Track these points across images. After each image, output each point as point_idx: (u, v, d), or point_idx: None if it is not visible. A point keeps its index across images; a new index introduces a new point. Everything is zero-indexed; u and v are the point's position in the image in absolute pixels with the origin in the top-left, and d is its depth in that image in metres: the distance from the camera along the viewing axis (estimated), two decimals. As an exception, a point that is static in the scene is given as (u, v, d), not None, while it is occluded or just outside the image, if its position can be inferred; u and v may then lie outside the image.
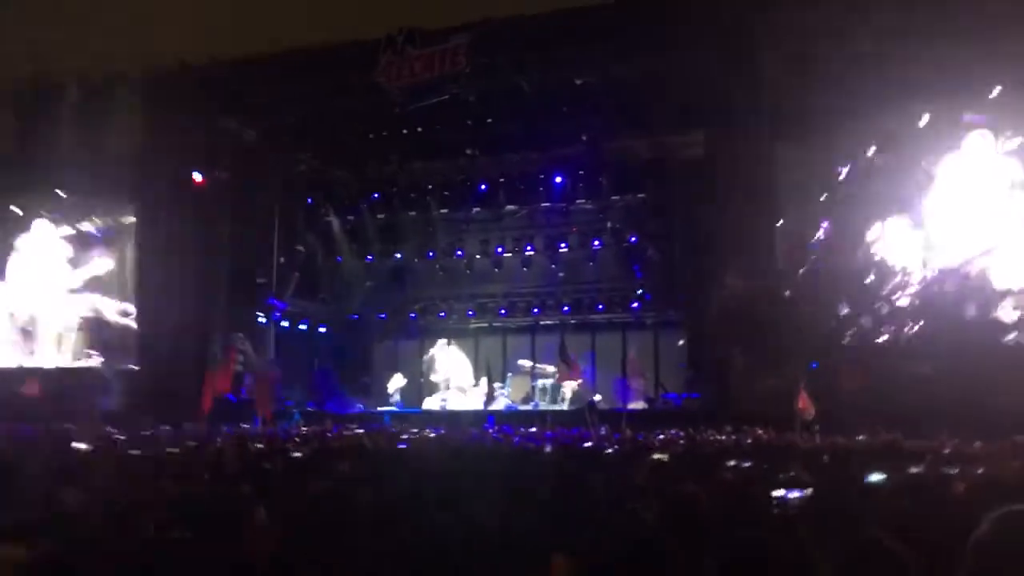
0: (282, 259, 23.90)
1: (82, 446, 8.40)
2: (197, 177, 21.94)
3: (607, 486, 5.24)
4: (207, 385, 18.82)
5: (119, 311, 22.29)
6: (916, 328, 17.00)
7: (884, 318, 17.35)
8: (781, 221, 18.18)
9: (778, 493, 4.70)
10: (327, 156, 23.79)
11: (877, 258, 17.50)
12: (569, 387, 22.15)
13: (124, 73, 22.28)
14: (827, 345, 17.45)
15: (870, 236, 17.59)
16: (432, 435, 14.08)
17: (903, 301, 17.23)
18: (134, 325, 22.12)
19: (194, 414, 17.51)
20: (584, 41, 19.11)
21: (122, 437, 12.80)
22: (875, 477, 6.05)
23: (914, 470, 6.89)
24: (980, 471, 6.26)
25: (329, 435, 13.44)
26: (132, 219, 22.68)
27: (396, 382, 24.34)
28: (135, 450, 9.94)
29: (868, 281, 17.56)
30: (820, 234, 18.07)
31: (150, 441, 11.56)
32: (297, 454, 8.20)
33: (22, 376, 21.51)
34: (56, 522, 4.10)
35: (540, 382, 23.12)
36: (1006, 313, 16.25)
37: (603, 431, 15.30)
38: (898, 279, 17.33)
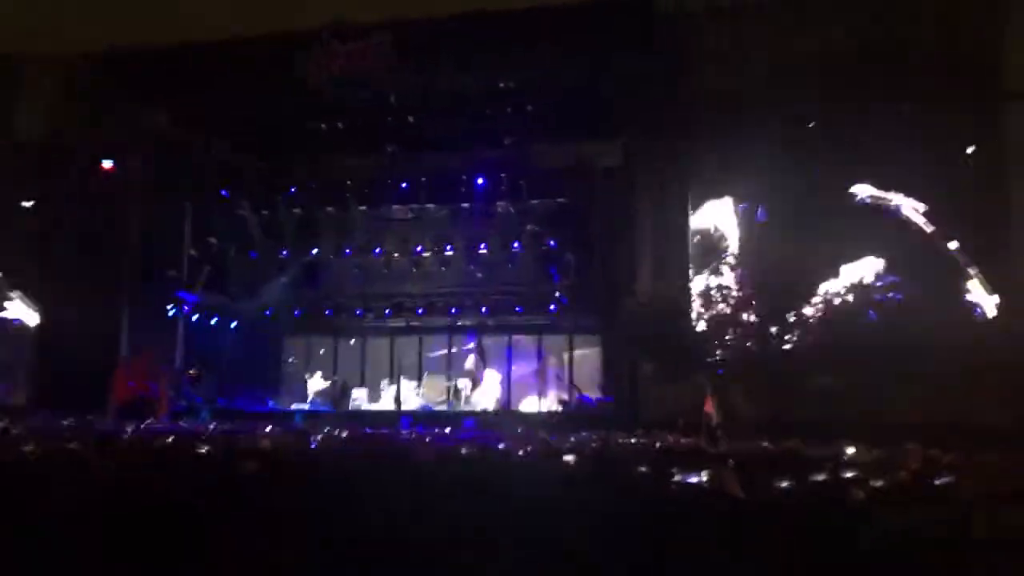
0: (193, 252, 23.30)
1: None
2: (107, 164, 21.24)
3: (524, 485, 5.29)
4: (118, 381, 18.24)
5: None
6: (820, 337, 17.62)
7: (791, 326, 17.93)
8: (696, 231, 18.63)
9: (678, 477, 4.84)
10: (244, 147, 23.27)
11: (787, 267, 18.09)
12: (484, 388, 22.26)
13: (36, 54, 21.44)
14: (733, 352, 17.96)
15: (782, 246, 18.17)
16: (344, 435, 13.91)
17: (808, 310, 17.84)
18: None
19: (100, 410, 16.95)
20: (507, 45, 19.24)
21: (15, 430, 12.34)
22: (782, 484, 6.27)
23: (816, 477, 7.18)
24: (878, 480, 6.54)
25: (238, 433, 13.14)
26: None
27: (314, 382, 24.01)
28: (28, 445, 9.59)
29: (778, 290, 18.13)
30: (733, 240, 18.57)
31: (50, 434, 11.13)
32: (203, 450, 8.02)
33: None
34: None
35: (457, 383, 23.10)
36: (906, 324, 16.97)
37: (518, 432, 15.37)
38: (805, 288, 17.94)
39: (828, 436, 11.80)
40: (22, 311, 21.53)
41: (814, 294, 17.90)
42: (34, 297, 21.49)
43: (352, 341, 25.00)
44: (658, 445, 12.57)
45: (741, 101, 17.53)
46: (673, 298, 18.11)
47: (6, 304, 21.57)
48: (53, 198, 21.49)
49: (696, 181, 18.62)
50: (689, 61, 18.50)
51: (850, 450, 10.29)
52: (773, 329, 18.13)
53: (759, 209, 18.10)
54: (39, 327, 21.39)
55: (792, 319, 18.01)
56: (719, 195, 18.56)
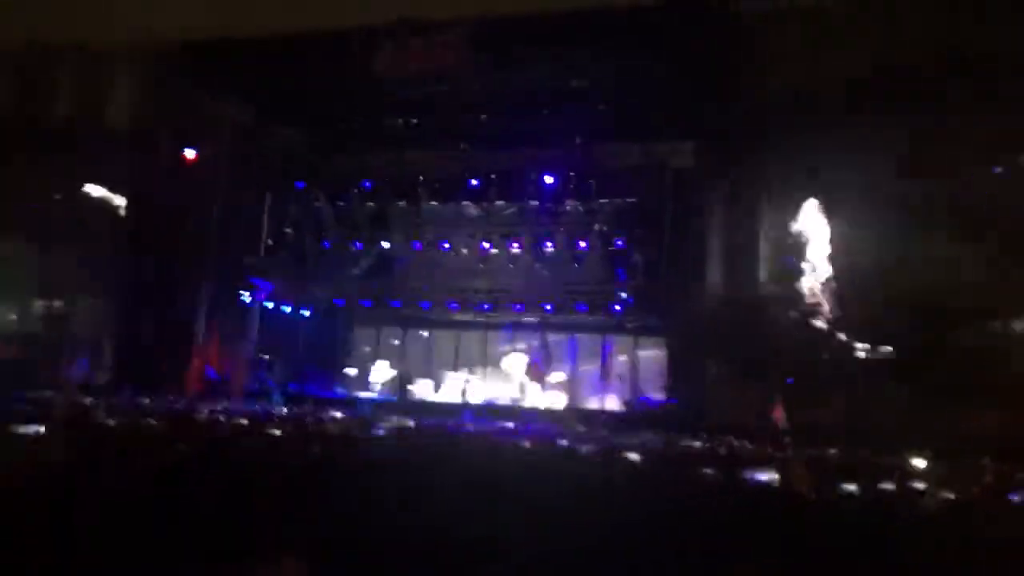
0: (270, 241, 23.91)
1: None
2: (190, 154, 21.91)
3: (581, 484, 5.35)
4: (194, 361, 18.85)
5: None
6: (894, 344, 17.22)
7: (865, 332, 17.54)
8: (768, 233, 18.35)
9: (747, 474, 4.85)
10: (321, 140, 23.77)
11: (862, 272, 17.68)
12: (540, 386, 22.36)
13: (122, 46, 22.17)
14: (804, 359, 17.63)
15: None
16: (410, 425, 14.16)
17: (884, 316, 17.42)
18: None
19: (177, 389, 17.53)
20: (583, 44, 19.21)
21: (99, 406, 12.88)
22: (848, 488, 6.23)
23: (884, 486, 7.09)
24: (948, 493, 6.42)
25: (307, 418, 13.51)
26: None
27: (381, 371, 24.42)
28: (111, 420, 10.03)
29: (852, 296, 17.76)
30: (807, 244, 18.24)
31: (128, 412, 11.61)
32: (276, 432, 8.28)
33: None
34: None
35: (517, 379, 23.22)
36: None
37: (580, 430, 15.42)
38: (881, 294, 17.53)
39: (899, 446, 11.59)
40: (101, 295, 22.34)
41: (890, 300, 17.47)
42: (117, 280, 22.26)
43: (425, 333, 25.39)
44: (723, 450, 12.51)
45: (817, 102, 17.19)
46: (743, 300, 17.87)
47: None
48: (136, 186, 22.20)
49: (770, 182, 18.31)
50: (764, 61, 18.20)
51: (919, 462, 10.10)
52: (845, 335, 17.76)
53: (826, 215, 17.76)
54: (122, 309, 22.16)
55: (866, 325, 17.61)
56: (793, 198, 18.22)
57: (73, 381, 16.05)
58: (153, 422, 9.89)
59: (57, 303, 21.96)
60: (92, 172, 22.47)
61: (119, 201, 22.34)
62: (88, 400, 14.26)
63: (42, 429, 7.22)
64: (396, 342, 25.82)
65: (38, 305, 22.83)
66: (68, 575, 2.82)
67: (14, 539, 2.87)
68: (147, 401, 14.42)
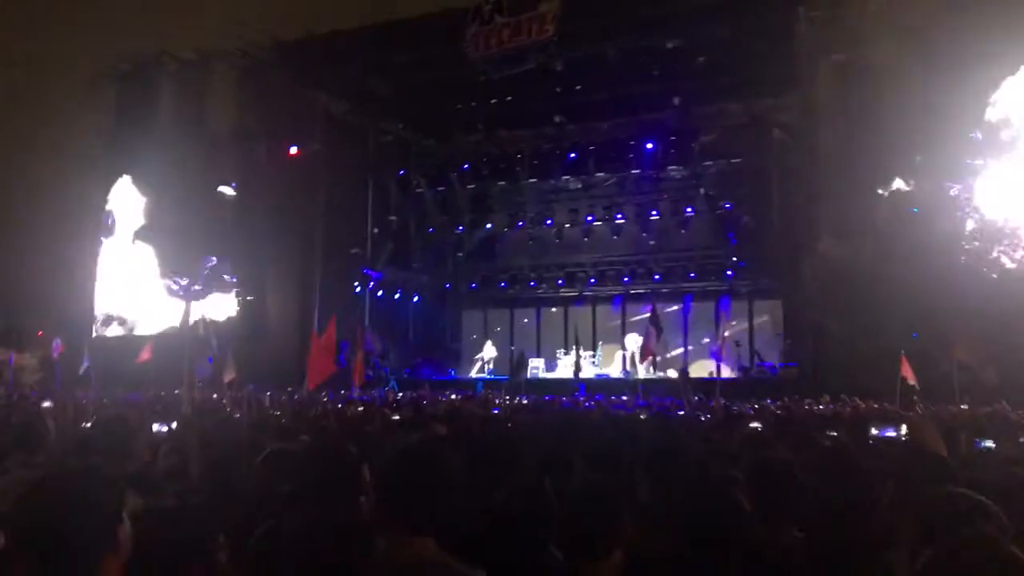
0: (375, 230, 24.35)
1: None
2: (292, 150, 22.48)
3: (701, 453, 5.19)
4: (314, 353, 19.33)
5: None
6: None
7: (991, 283, 16.54)
8: (890, 188, 17.46)
9: (875, 432, 4.61)
10: (417, 127, 23.98)
11: (985, 218, 16.69)
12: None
13: (219, 50, 22.90)
14: (929, 313, 16.75)
15: (976, 196, 16.78)
16: (525, 402, 14.21)
17: (1010, 265, 16.41)
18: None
19: (295, 383, 18.04)
20: (674, 3, 18.69)
21: (224, 401, 13.42)
22: (986, 443, 5.87)
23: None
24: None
25: (424, 400, 13.70)
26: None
27: (488, 351, 24.63)
28: (238, 413, 10.41)
29: (974, 245, 16.77)
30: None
31: (255, 404, 12.02)
32: (395, 417, 8.38)
33: (136, 345, 22.58)
34: (167, 476, 4.33)
35: (631, 351, 22.95)
36: None
37: (697, 400, 15.13)
38: (1008, 240, 16.51)
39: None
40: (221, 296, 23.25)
41: (1017, 248, 16.42)
42: (231, 278, 23.10)
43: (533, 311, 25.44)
44: (848, 410, 12.04)
45: (931, 50, 16.20)
46: (859, 259, 17.08)
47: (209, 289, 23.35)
48: (242, 185, 22.94)
49: (883, 136, 17.36)
50: (863, 8, 17.25)
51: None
52: (974, 289, 16.76)
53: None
54: (240, 307, 23.00)
55: (993, 276, 16.59)
56: (907, 153, 17.25)
57: (198, 379, 16.70)
58: (278, 413, 10.23)
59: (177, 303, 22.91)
60: (199, 174, 23.33)
61: (228, 200, 23.09)
62: (215, 396, 14.89)
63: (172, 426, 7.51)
64: (505, 322, 25.95)
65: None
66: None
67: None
68: (269, 395, 14.90)
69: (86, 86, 24.10)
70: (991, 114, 16.81)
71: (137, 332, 24.13)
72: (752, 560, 2.84)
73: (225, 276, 22.75)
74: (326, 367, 20.05)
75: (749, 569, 2.82)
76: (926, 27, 15.92)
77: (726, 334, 21.77)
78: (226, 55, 22.75)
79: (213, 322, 21.84)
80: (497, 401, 13.51)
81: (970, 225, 16.93)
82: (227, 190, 22.77)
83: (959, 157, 17.01)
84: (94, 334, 24.03)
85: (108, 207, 25.08)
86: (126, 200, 24.96)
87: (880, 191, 17.62)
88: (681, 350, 22.94)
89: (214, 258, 22.56)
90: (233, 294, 23.07)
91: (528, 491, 3.45)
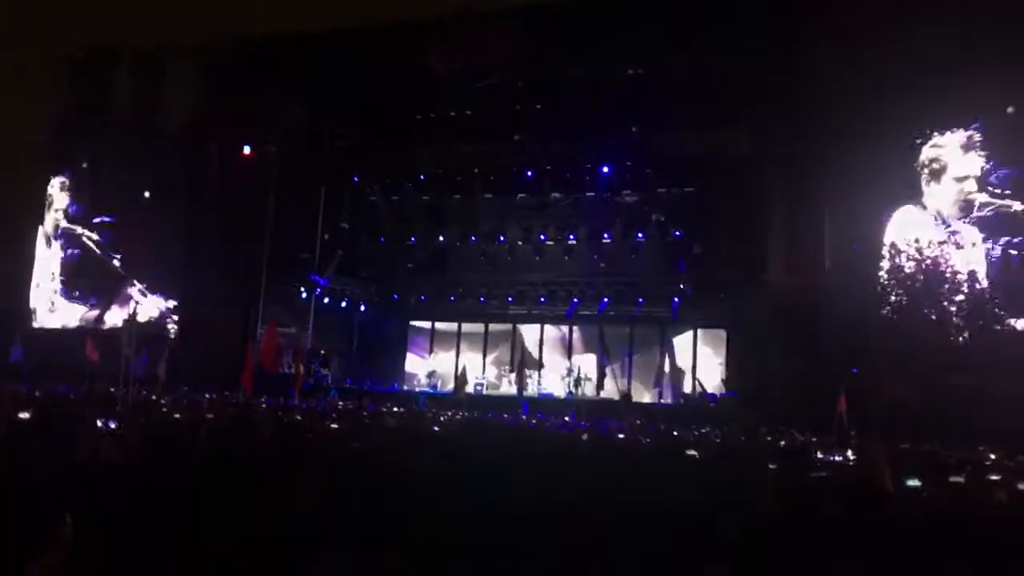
0: (326, 236, 24.11)
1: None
2: (246, 150, 22.19)
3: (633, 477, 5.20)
4: (250, 358, 19.04)
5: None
6: (963, 337, 16.67)
7: (932, 325, 17.02)
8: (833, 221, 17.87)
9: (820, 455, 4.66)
10: (374, 134, 23.84)
11: (928, 262, 17.17)
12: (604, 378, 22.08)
13: (178, 46, 22.56)
14: (868, 350, 17.15)
15: (923, 238, 17.26)
16: (464, 416, 14.13)
17: (952, 307, 16.89)
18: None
19: (234, 385, 17.72)
20: (636, 31, 18.94)
21: (161, 401, 13.12)
22: (912, 482, 5.97)
23: (954, 479, 6.79)
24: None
25: (365, 412, 13.54)
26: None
27: (437, 365, 24.58)
28: (176, 414, 10.17)
29: (918, 286, 17.24)
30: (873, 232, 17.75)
31: (190, 406, 11.76)
32: (334, 426, 8.27)
33: (67, 338, 22.01)
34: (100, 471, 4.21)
35: (576, 371, 23.06)
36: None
37: (638, 423, 15.20)
38: (948, 285, 16.99)
39: (972, 439, 11.18)
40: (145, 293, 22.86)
41: (957, 291, 16.91)
42: (176, 277, 22.70)
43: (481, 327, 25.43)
44: (783, 443, 12.19)
45: (881, 83, 16.71)
46: (806, 291, 17.43)
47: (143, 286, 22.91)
48: (192, 184, 22.60)
49: (832, 168, 17.79)
50: (818, 45, 17.72)
51: (992, 455, 9.70)
52: (913, 327, 17.23)
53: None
54: (180, 305, 22.58)
55: (933, 316, 17.07)
56: (855, 184, 17.70)
57: (134, 378, 16.34)
58: (211, 416, 10.00)
59: (118, 300, 22.46)
60: (150, 171, 22.93)
61: (176, 199, 22.72)
62: (151, 396, 14.54)
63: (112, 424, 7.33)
64: (453, 336, 25.89)
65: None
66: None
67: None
68: (207, 397, 14.60)
69: (38, 72, 23.53)
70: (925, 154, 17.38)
71: (68, 325, 23.57)
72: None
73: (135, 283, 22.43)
74: (264, 371, 19.81)
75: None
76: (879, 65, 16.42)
77: (671, 361, 22.11)
78: (184, 50, 22.40)
79: (138, 322, 21.41)
80: (439, 418, 13.40)
81: (911, 267, 17.39)
82: None
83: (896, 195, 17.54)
84: (29, 326, 23.41)
85: (48, 196, 24.53)
86: (62, 195, 24.48)
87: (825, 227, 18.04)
88: (616, 371, 23.04)
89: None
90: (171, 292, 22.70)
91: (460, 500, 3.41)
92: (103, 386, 15.31)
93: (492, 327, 25.62)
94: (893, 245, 17.52)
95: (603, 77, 19.84)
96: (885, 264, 17.59)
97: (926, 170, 17.29)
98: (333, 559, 2.81)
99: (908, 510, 4.59)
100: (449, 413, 15.42)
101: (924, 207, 17.31)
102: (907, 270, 17.35)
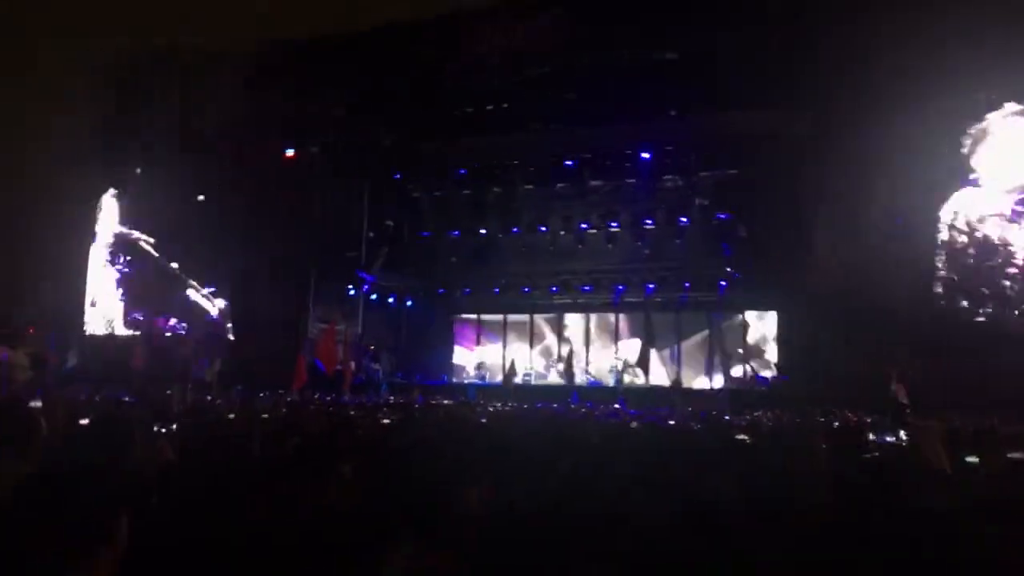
0: (371, 233, 24.33)
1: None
2: (289, 152, 22.45)
3: (686, 462, 5.19)
4: (301, 356, 19.32)
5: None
6: (1019, 311, 16.27)
7: (985, 299, 16.63)
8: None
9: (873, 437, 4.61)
10: (414, 130, 23.93)
11: (979, 235, 16.77)
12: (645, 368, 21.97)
13: (219, 48, 22.86)
14: (923, 328, 16.82)
15: (972, 212, 16.86)
16: (513, 407, 14.19)
17: (1006, 281, 16.49)
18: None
19: (287, 385, 18.01)
20: (675, 14, 18.74)
21: (216, 402, 13.37)
22: (970, 459, 5.87)
23: (1013, 455, 6.65)
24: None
25: (415, 405, 13.67)
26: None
27: (485, 356, 24.73)
28: (230, 414, 10.36)
29: (969, 261, 16.86)
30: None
31: (243, 406, 11.97)
32: (386, 420, 8.35)
33: (121, 344, 22.53)
34: (156, 474, 4.32)
35: (624, 359, 22.98)
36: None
37: (688, 410, 15.14)
38: (1001, 258, 16.59)
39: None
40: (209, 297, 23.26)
41: (1011, 267, 16.50)
42: (227, 279, 23.11)
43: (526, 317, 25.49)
44: (836, 424, 12.04)
45: (932, 55, 16.30)
46: (856, 272, 17.12)
47: (200, 290, 23.33)
48: (239, 187, 22.91)
49: (881, 149, 17.43)
50: (866, 19, 17.35)
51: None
52: (966, 303, 16.86)
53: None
54: (231, 307, 22.97)
55: (987, 292, 16.68)
56: (906, 164, 17.31)
57: (190, 380, 16.70)
58: (266, 416, 10.18)
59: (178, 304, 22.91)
60: (198, 175, 23.30)
61: (223, 202, 23.07)
62: (205, 397, 14.84)
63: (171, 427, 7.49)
64: (499, 328, 26.00)
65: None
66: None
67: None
68: (260, 396, 14.85)
69: (85, 80, 24.03)
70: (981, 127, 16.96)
71: (124, 332, 24.12)
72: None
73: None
74: (315, 368, 20.07)
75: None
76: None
77: (720, 346, 21.93)
78: (227, 54, 22.70)
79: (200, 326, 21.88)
80: (489, 408, 13.46)
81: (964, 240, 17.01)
82: None
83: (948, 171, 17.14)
84: (84, 332, 24.00)
85: (100, 205, 25.10)
86: (116, 200, 25.05)
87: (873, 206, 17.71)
88: (666, 357, 22.96)
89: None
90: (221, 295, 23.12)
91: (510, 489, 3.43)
92: (158, 389, 15.66)
93: (537, 317, 25.65)
94: (945, 222, 17.15)
95: (641, 62, 19.66)
96: (937, 241, 17.23)
97: (982, 144, 16.85)
98: (386, 554, 2.85)
99: (965, 487, 4.52)
100: (499, 404, 15.50)
101: (979, 183, 16.90)
102: (959, 246, 16.97)
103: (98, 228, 25.13)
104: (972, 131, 16.84)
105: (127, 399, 13.60)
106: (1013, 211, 16.54)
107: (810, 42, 17.73)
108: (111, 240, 25.03)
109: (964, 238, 16.97)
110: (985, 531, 2.81)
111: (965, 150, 16.91)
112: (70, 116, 23.27)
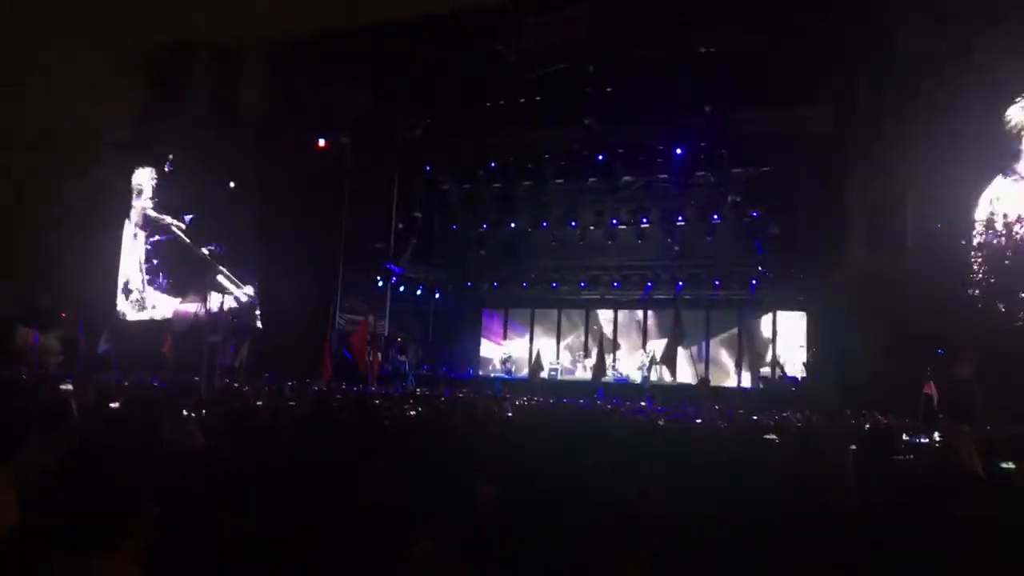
0: (400, 225, 24.39)
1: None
2: (320, 143, 22.55)
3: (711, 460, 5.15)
4: (328, 346, 19.42)
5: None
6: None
7: (1021, 302, 16.32)
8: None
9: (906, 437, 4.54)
10: (445, 123, 23.93)
11: (1018, 236, 16.45)
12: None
13: (251, 40, 22.99)
14: (958, 331, 16.53)
15: (1010, 211, 16.54)
16: (541, 401, 14.17)
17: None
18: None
19: (314, 374, 18.13)
20: (709, 9, 18.56)
21: (244, 389, 13.50)
22: (1006, 465, 5.78)
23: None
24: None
25: (442, 398, 13.70)
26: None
27: (512, 350, 24.76)
28: (258, 402, 10.45)
29: (1007, 263, 16.53)
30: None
31: (271, 394, 12.06)
32: (412, 412, 8.37)
33: (153, 329, 22.79)
34: (185, 459, 4.36)
35: (652, 355, 22.84)
36: None
37: (715, 408, 15.02)
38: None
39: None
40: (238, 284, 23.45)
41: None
42: (256, 268, 23.29)
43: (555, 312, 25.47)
44: (867, 427, 11.89)
45: (964, 48, 16.00)
46: (888, 272, 16.88)
47: (229, 277, 23.53)
48: (269, 177, 23.06)
49: (912, 146, 17.16)
50: (896, 13, 17.08)
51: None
52: (1002, 307, 16.55)
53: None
54: (260, 295, 23.16)
55: (1023, 295, 16.37)
56: (937, 162, 17.01)
57: (219, 367, 16.86)
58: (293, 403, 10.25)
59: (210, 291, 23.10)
60: (229, 164, 23.48)
61: (254, 191, 23.23)
62: (234, 384, 14.98)
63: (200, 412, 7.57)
64: (527, 322, 25.99)
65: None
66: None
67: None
68: (288, 385, 14.96)
69: (120, 70, 24.29)
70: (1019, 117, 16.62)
71: (155, 316, 24.39)
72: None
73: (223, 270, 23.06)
74: (343, 358, 20.16)
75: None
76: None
77: (749, 345, 21.73)
78: (258, 45, 22.83)
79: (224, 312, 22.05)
80: (516, 402, 13.46)
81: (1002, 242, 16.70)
82: None
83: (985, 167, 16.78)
84: (116, 317, 24.29)
85: (135, 183, 25.39)
86: (148, 187, 25.33)
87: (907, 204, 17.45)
88: (694, 355, 22.82)
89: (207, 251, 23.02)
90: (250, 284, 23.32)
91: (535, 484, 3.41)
92: (188, 376, 15.84)
93: (565, 312, 25.60)
94: (981, 221, 16.84)
95: (674, 57, 19.50)
96: (972, 241, 16.93)
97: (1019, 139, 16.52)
98: (410, 547, 2.85)
99: (1000, 493, 4.44)
100: (524, 399, 15.48)
101: (1019, 177, 16.55)
102: (996, 247, 16.66)
103: (131, 213, 25.42)
104: (1009, 125, 16.49)
105: (157, 384, 13.78)
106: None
107: (842, 39, 17.51)
108: (142, 224, 25.31)
109: (1001, 240, 16.65)
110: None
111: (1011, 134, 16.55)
112: (107, 102, 23.52)
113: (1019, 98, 16.43)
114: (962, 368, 14.64)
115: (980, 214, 16.79)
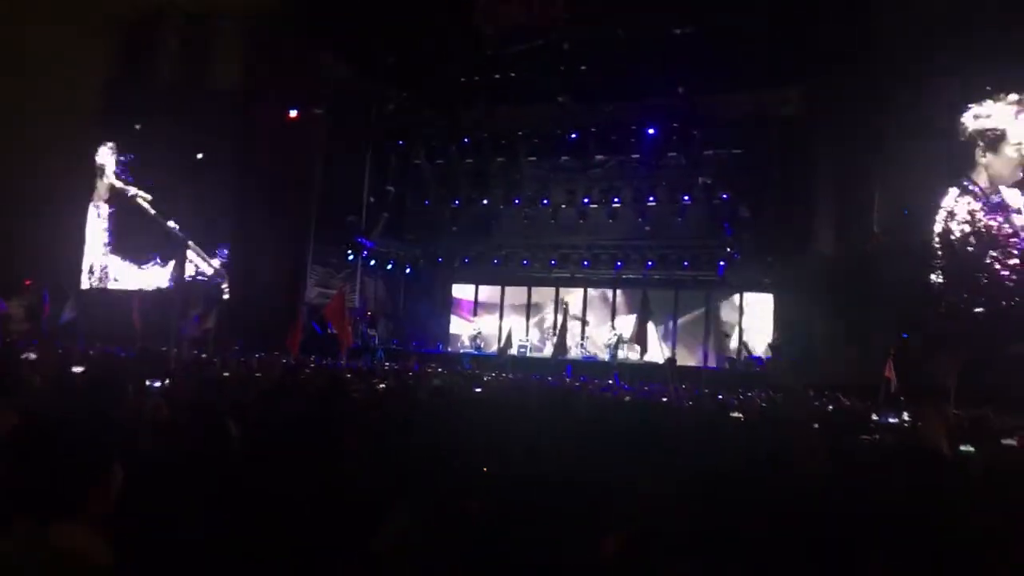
0: (372, 199, 24.23)
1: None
2: (292, 113, 22.28)
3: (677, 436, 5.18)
4: (299, 319, 19.26)
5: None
6: (1014, 302, 16.24)
7: (982, 289, 16.60)
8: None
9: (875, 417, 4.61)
10: (420, 98, 23.74)
11: (980, 225, 16.71)
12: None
13: (226, 6, 22.62)
14: (919, 316, 16.82)
15: (974, 202, 16.78)
16: (509, 377, 14.21)
17: (1005, 271, 16.45)
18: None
19: (282, 346, 17.98)
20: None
21: (213, 360, 13.38)
22: (965, 448, 5.90)
23: (1006, 441, 6.68)
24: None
25: (411, 373, 13.68)
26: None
27: (481, 327, 24.76)
28: (225, 372, 10.38)
29: (970, 249, 16.80)
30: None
31: (240, 365, 11.98)
32: (381, 386, 8.37)
33: (117, 299, 22.48)
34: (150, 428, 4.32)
35: (619, 334, 22.99)
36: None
37: (682, 388, 15.14)
38: (1000, 249, 16.54)
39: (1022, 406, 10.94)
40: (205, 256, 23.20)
41: (1010, 256, 16.45)
42: (225, 239, 23.04)
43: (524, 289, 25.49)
44: (830, 407, 12.07)
45: (932, 45, 16.17)
46: (855, 255, 17.10)
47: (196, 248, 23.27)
48: (241, 146, 22.77)
49: (881, 130, 17.34)
50: (869, 6, 17.21)
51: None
52: (965, 293, 16.84)
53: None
54: (229, 267, 22.91)
55: (985, 281, 16.64)
56: (905, 146, 17.20)
57: (185, 337, 16.66)
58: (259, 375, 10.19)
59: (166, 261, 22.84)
60: (199, 133, 23.14)
61: (225, 161, 22.93)
62: (201, 355, 14.84)
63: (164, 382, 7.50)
64: (496, 299, 26.02)
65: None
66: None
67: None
68: (256, 356, 14.86)
69: (87, 36, 23.77)
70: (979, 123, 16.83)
71: (120, 287, 24.07)
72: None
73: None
74: (312, 331, 20.02)
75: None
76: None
77: (715, 325, 21.92)
78: (232, 11, 22.46)
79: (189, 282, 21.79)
80: (484, 378, 13.49)
81: (965, 229, 16.95)
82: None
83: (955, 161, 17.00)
84: (80, 285, 23.93)
85: (98, 162, 24.96)
86: (111, 161, 24.91)
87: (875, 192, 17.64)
88: (661, 334, 22.98)
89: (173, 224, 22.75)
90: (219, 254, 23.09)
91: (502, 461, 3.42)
92: (155, 345, 15.64)
93: (535, 290, 25.64)
94: (944, 209, 17.08)
95: (649, 37, 19.46)
96: (936, 228, 17.17)
97: (982, 140, 16.74)
98: (378, 517, 2.84)
99: (964, 473, 4.53)
100: (492, 374, 15.51)
101: (976, 178, 16.80)
102: (958, 234, 16.91)
103: (96, 183, 25.00)
104: (975, 120, 16.71)
105: (123, 353, 13.60)
106: (1013, 202, 16.47)
107: (817, 23, 17.58)
108: (107, 195, 24.91)
109: (965, 227, 16.91)
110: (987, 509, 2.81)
111: (965, 139, 16.80)
112: (71, 69, 23.01)
113: (971, 104, 16.65)
114: (941, 360, 14.85)
115: (947, 202, 17.03)
